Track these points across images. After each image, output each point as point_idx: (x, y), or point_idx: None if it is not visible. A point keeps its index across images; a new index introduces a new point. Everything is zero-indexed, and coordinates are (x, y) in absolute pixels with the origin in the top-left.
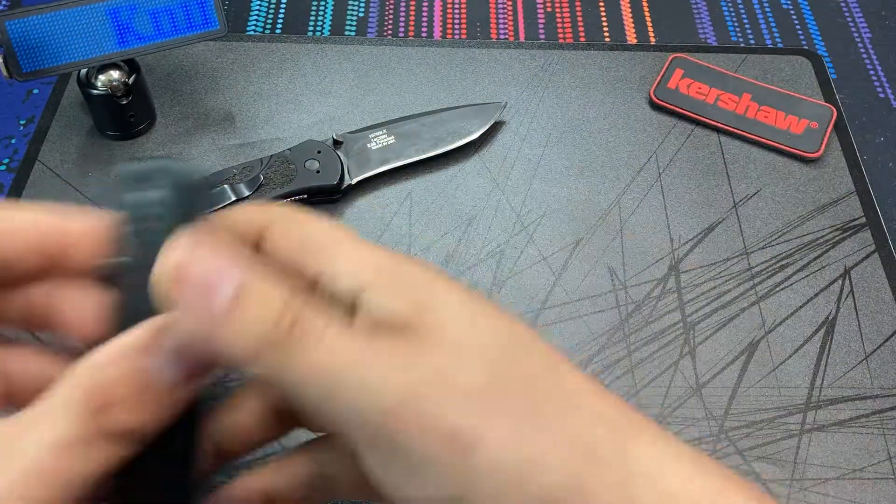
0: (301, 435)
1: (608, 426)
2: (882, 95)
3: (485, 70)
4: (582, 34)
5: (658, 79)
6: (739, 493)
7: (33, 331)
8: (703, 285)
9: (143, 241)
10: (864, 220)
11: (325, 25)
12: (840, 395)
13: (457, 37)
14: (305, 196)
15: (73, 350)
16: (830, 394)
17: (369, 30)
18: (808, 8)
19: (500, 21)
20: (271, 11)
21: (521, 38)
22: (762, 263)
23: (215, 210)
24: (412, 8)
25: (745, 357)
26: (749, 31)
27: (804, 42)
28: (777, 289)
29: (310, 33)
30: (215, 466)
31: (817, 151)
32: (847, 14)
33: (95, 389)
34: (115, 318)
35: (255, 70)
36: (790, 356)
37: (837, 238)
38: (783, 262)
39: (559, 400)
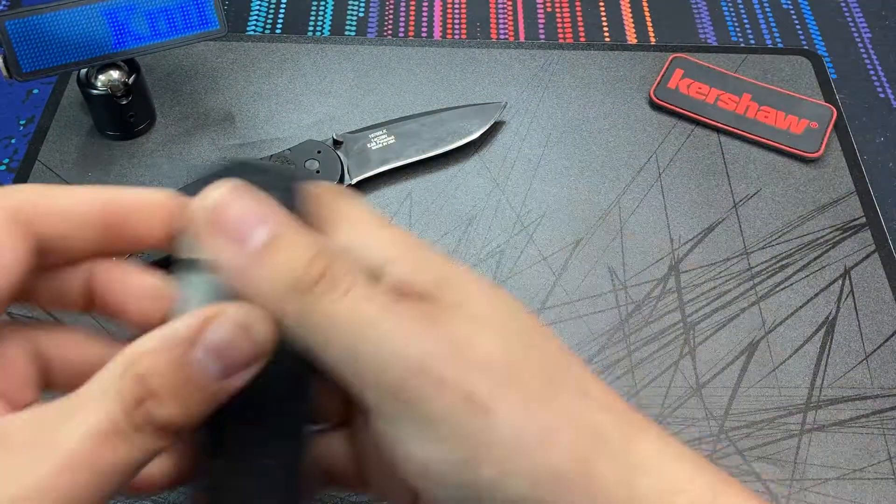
0: None
1: (615, 417)
2: (882, 95)
3: (485, 70)
4: (582, 34)
5: (658, 79)
6: (739, 496)
7: (93, 313)
8: (703, 285)
9: None
10: (864, 220)
11: (325, 25)
12: (840, 395)
13: (457, 37)
14: None
15: (120, 335)
16: (830, 394)
17: (369, 30)
18: (808, 8)
19: (500, 21)
20: (271, 11)
21: (521, 38)
22: (762, 263)
23: None
24: (412, 8)
25: (745, 357)
26: (749, 31)
27: (804, 42)
28: (777, 289)
29: (310, 33)
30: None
31: (817, 151)
32: (847, 14)
33: (138, 380)
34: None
35: (255, 70)
36: (790, 356)
37: (837, 238)
38: (783, 262)
39: (570, 385)
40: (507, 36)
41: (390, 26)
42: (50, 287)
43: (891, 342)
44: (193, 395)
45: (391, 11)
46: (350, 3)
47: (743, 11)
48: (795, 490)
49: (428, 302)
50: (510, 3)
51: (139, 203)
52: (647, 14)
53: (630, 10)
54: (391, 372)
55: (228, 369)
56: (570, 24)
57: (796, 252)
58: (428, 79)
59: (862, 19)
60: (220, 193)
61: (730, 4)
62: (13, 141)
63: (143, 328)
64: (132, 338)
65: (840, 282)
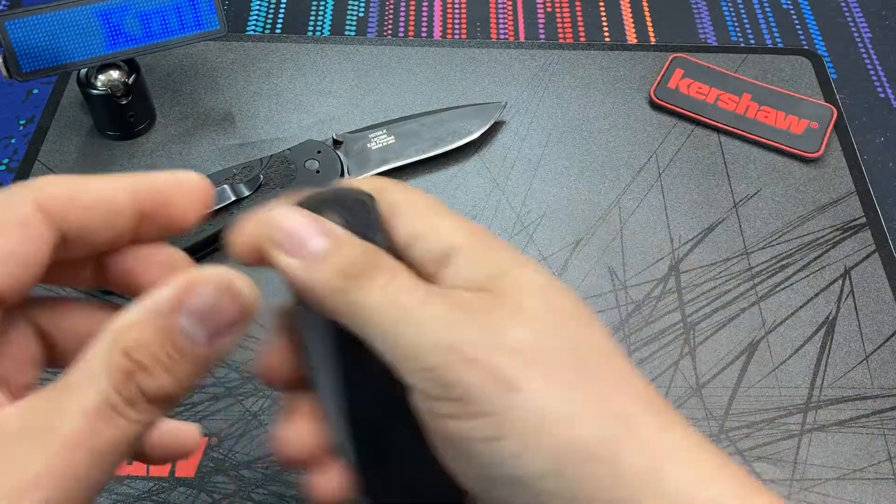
0: None
1: (648, 408)
2: (882, 95)
3: (485, 70)
4: (582, 34)
5: (658, 79)
6: (765, 496)
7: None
8: (704, 285)
9: None
10: (864, 220)
11: (325, 25)
12: (840, 396)
13: (457, 37)
14: None
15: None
16: (830, 394)
17: (369, 30)
18: (809, 8)
19: (500, 21)
20: (271, 11)
21: (521, 38)
22: (762, 263)
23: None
24: (412, 8)
25: (746, 357)
26: (749, 31)
27: (804, 42)
28: (777, 289)
29: (310, 33)
30: None
31: (817, 151)
32: (847, 14)
33: (125, 354)
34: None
35: (255, 70)
36: (790, 356)
37: (837, 238)
38: (783, 262)
39: (606, 374)
40: (507, 36)
41: (390, 26)
42: (62, 266)
43: (891, 342)
44: (182, 363)
45: (391, 11)
46: (350, 3)
47: (743, 11)
48: (795, 490)
49: (478, 293)
50: (510, 3)
51: (171, 187)
52: (647, 14)
53: (630, 10)
54: (427, 355)
55: (215, 332)
56: (570, 24)
57: (796, 252)
58: (428, 79)
59: (862, 19)
60: (284, 210)
61: (730, 4)
62: (13, 141)
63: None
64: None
65: (840, 282)
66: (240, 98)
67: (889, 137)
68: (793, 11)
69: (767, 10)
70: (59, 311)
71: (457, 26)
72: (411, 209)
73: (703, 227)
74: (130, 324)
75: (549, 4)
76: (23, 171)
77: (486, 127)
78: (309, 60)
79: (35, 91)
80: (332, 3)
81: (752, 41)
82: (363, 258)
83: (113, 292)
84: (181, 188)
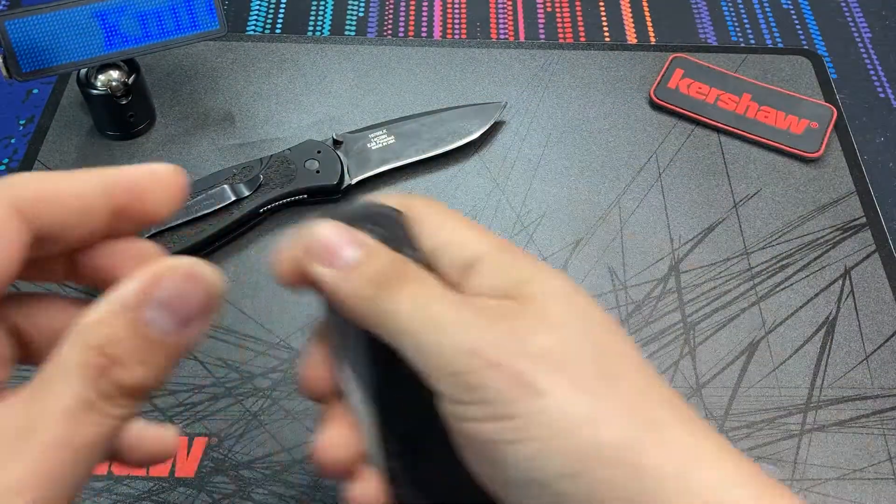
0: None
1: (674, 412)
2: (882, 95)
3: (485, 70)
4: (582, 34)
5: (658, 79)
6: (788, 502)
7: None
8: (704, 285)
9: None
10: (864, 220)
11: (324, 25)
12: (840, 396)
13: (457, 37)
14: (305, 196)
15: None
16: (830, 394)
17: (369, 30)
18: (809, 8)
19: (500, 21)
20: (271, 11)
21: (521, 38)
22: (762, 263)
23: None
24: (412, 8)
25: (746, 357)
26: (749, 31)
27: (804, 42)
28: (777, 289)
29: (310, 33)
30: None
31: (817, 151)
32: (847, 14)
33: (97, 350)
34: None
35: (255, 70)
36: (790, 356)
37: (837, 238)
38: (783, 262)
39: (631, 381)
40: (507, 36)
41: (390, 26)
42: (35, 263)
43: (891, 342)
44: (155, 353)
45: (391, 11)
46: (350, 3)
47: (743, 11)
48: (795, 490)
49: (502, 300)
50: (510, 3)
51: (144, 181)
52: (647, 14)
53: (630, 10)
54: (453, 360)
55: (184, 321)
56: (570, 24)
57: (796, 252)
58: (428, 79)
59: (862, 19)
60: (319, 226)
61: (730, 4)
62: (13, 141)
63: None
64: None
65: (840, 282)
66: (240, 98)
67: (889, 137)
68: (793, 11)
69: (767, 10)
70: (32, 307)
71: (457, 26)
72: (436, 221)
73: (703, 227)
74: (100, 319)
75: (549, 4)
76: (22, 171)
77: (486, 127)
78: (309, 60)
79: (35, 91)
80: (332, 3)
81: (752, 41)
82: (393, 268)
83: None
84: (154, 181)
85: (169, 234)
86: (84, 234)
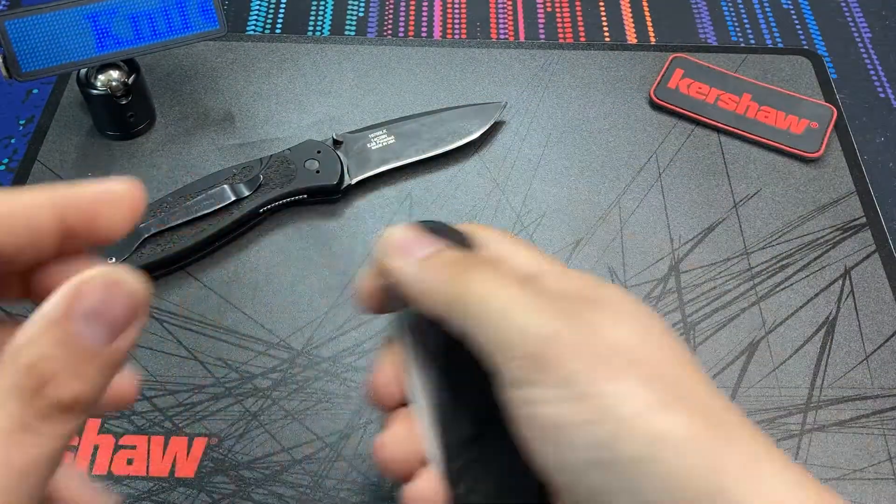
0: None
1: (738, 418)
2: (882, 95)
3: (485, 70)
4: (582, 34)
5: (658, 79)
6: None
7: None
8: (704, 285)
9: None
10: (864, 220)
11: (324, 25)
12: (840, 396)
13: (457, 37)
14: (305, 196)
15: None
16: (831, 394)
17: (369, 30)
18: (809, 8)
19: (500, 21)
20: (271, 11)
21: (521, 38)
22: (762, 263)
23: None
24: (412, 8)
25: (746, 357)
26: (749, 31)
27: (804, 42)
28: (777, 289)
29: (310, 33)
30: None
31: (817, 151)
32: (847, 14)
33: (29, 369)
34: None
35: (254, 70)
36: (790, 356)
37: (837, 238)
38: (783, 262)
39: (701, 388)
40: (507, 36)
41: (390, 26)
42: None
43: (891, 342)
44: (89, 366)
45: (391, 11)
46: (350, 3)
47: (743, 11)
48: None
49: (573, 300)
50: (510, 3)
51: (98, 200)
52: (647, 14)
53: (630, 10)
54: (529, 341)
55: (112, 329)
56: (570, 24)
57: (796, 252)
58: (428, 79)
59: (862, 19)
60: (395, 229)
61: (730, 4)
62: (13, 141)
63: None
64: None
65: (840, 282)
66: (240, 98)
67: (889, 137)
68: (793, 11)
69: (767, 10)
70: None
71: (457, 26)
72: (496, 239)
73: (703, 227)
74: (29, 338)
75: (549, 4)
76: (22, 171)
77: (486, 127)
78: (309, 60)
79: (35, 91)
80: (332, 3)
81: (752, 41)
82: (467, 257)
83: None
84: (108, 200)
85: (169, 234)
86: (33, 255)
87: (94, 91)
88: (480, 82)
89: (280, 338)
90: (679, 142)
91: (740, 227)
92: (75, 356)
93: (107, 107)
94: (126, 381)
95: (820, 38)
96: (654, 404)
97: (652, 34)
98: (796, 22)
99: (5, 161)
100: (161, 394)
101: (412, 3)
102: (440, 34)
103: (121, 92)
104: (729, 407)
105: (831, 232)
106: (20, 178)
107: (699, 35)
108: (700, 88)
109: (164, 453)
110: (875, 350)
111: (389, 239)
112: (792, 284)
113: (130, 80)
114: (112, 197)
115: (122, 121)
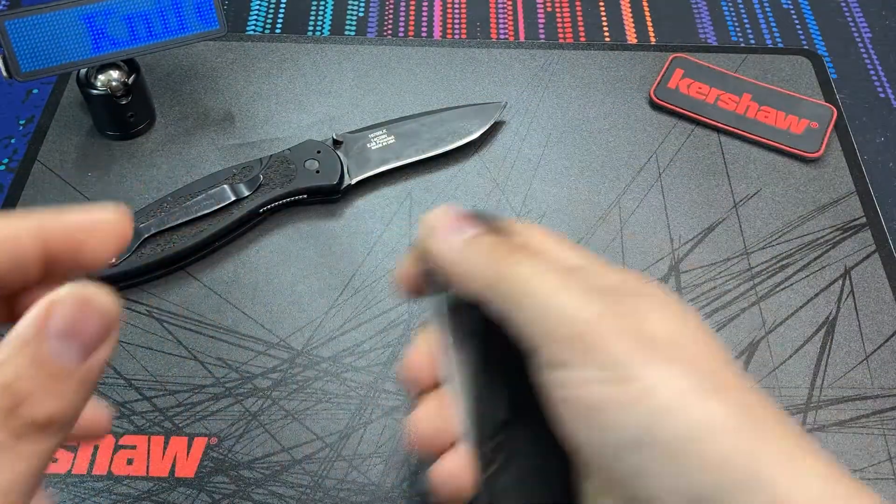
0: None
1: (777, 416)
2: (882, 95)
3: (485, 70)
4: (582, 34)
5: (658, 79)
6: None
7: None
8: (703, 285)
9: None
10: (864, 220)
11: (324, 25)
12: (840, 396)
13: (457, 37)
14: (305, 196)
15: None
16: (831, 394)
17: (369, 30)
18: (809, 8)
19: (500, 21)
20: (271, 11)
21: (521, 38)
22: (762, 263)
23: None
24: (412, 8)
25: (746, 357)
26: (749, 31)
27: (804, 42)
28: (777, 289)
29: (310, 33)
30: None
31: (817, 151)
32: (847, 14)
33: (3, 389)
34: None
35: (254, 70)
36: (790, 356)
37: (837, 238)
38: (783, 262)
39: (739, 381)
40: (507, 36)
41: (390, 26)
42: None
43: (891, 342)
44: (63, 384)
45: (391, 11)
46: (350, 2)
47: (743, 11)
48: None
49: (615, 289)
50: (510, 3)
51: (82, 229)
52: (647, 14)
53: (630, 10)
54: (574, 323)
55: (85, 347)
56: (570, 24)
57: (796, 252)
58: (428, 79)
59: (862, 19)
60: (438, 212)
61: (730, 4)
62: (13, 141)
63: None
64: None
65: (840, 282)
66: (240, 98)
67: (889, 137)
68: (793, 11)
69: (767, 10)
70: None
71: (457, 26)
72: (538, 233)
73: (703, 227)
74: (3, 359)
75: (549, 4)
76: (22, 171)
77: (486, 127)
78: (309, 60)
79: (35, 91)
80: (332, 3)
81: (752, 41)
82: (510, 241)
83: None
84: (94, 228)
85: (169, 234)
86: (19, 281)
87: (94, 91)
88: (480, 82)
89: (280, 338)
90: (679, 142)
91: (740, 227)
92: (49, 375)
93: (107, 107)
94: (99, 413)
95: (820, 38)
96: (695, 390)
97: (652, 34)
98: (796, 22)
99: (5, 161)
100: (161, 394)
101: (412, 3)
102: (440, 34)
103: (121, 92)
104: (766, 401)
105: (831, 232)
106: (20, 178)
107: (699, 35)
108: (700, 88)
109: (164, 453)
110: (875, 350)
111: (432, 220)
112: (792, 284)
113: (130, 80)
114: (98, 226)
115: (122, 121)
